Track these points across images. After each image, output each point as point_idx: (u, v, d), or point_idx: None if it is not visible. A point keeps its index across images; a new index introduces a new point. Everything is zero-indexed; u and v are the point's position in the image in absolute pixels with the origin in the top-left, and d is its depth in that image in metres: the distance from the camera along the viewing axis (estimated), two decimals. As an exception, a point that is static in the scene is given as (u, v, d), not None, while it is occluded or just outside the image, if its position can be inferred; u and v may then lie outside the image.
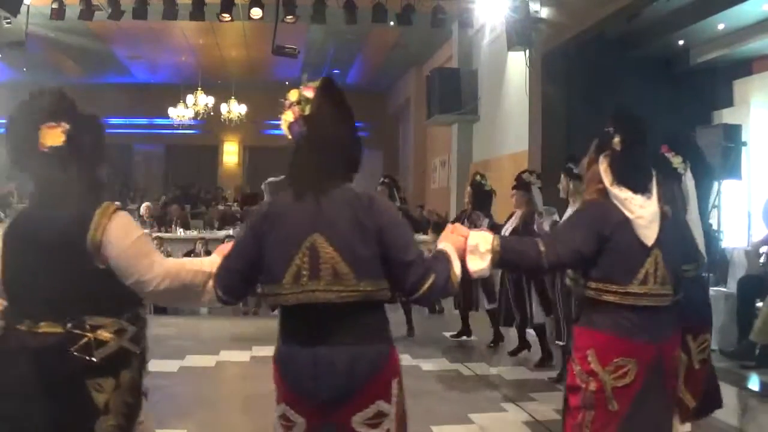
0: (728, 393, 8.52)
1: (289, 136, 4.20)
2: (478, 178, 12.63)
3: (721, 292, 10.22)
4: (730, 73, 14.31)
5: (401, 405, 4.15)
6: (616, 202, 4.74)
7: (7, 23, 15.30)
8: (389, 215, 4.01)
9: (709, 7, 12.32)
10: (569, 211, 9.16)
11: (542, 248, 4.69)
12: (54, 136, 3.93)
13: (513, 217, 11.54)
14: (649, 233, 4.70)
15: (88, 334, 3.83)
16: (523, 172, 11.84)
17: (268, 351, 9.43)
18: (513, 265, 5.10)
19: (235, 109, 28.11)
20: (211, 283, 4.14)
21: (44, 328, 3.79)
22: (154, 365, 11.35)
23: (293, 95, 4.23)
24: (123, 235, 3.96)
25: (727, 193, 11.94)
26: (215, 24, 18.39)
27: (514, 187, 11.47)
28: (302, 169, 4.08)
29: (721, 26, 13.10)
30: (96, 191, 4.11)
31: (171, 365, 11.30)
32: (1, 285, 3.99)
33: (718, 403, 6.25)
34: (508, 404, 9.21)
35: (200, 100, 27.48)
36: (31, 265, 3.88)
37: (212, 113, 27.80)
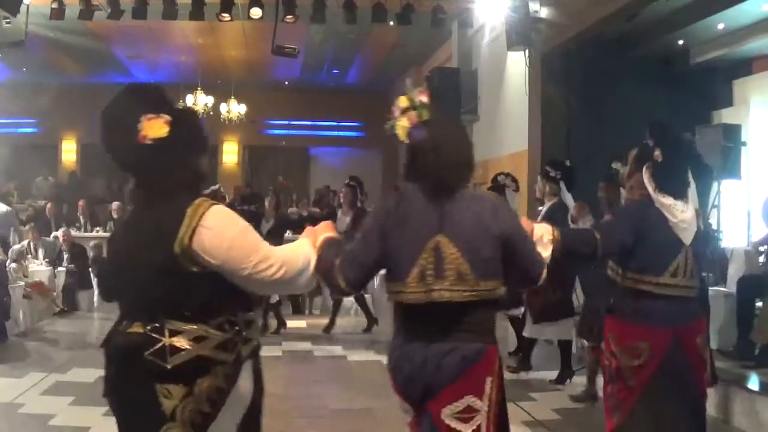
0: (728, 392, 8.55)
1: (406, 141, 4.41)
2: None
3: (720, 292, 10.22)
4: (729, 73, 14.34)
5: (496, 405, 4.35)
6: (660, 207, 5.41)
7: (7, 23, 15.30)
8: (512, 219, 4.38)
9: (708, 6, 12.33)
10: (543, 210, 10.22)
11: (597, 236, 5.34)
12: (157, 128, 3.83)
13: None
14: (688, 234, 5.48)
15: (165, 339, 3.72)
16: (498, 174, 12.11)
17: (272, 351, 9.45)
18: (571, 253, 5.30)
19: (234, 109, 28.09)
20: (311, 268, 4.11)
21: (133, 328, 3.77)
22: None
23: (403, 102, 4.53)
24: (224, 230, 3.81)
25: (726, 192, 11.94)
26: (215, 24, 18.38)
27: (489, 189, 11.66)
28: (427, 172, 4.26)
29: (720, 26, 13.12)
30: (197, 184, 4.08)
31: (171, 365, 11.29)
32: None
33: None
34: (507, 404, 9.20)
35: (200, 100, 27.41)
36: (128, 263, 3.87)
37: (212, 113, 27.73)
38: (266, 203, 15.25)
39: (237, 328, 3.92)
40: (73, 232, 18.74)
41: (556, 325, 10.39)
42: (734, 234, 12.49)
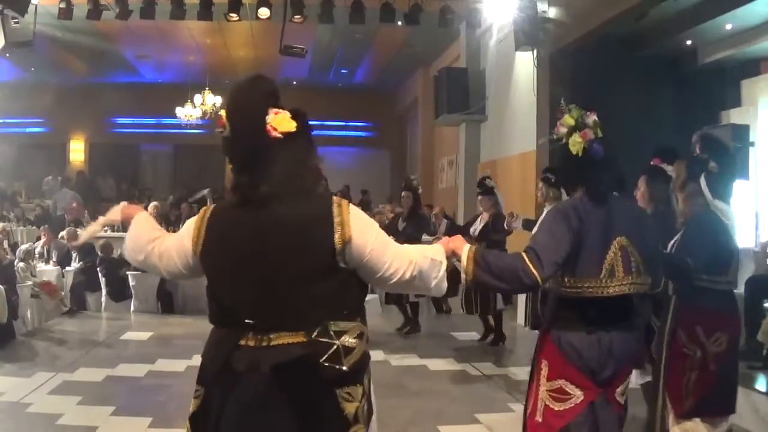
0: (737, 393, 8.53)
1: (580, 154, 4.97)
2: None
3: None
4: (737, 73, 14.29)
5: None
6: (716, 211, 6.15)
7: (15, 23, 15.30)
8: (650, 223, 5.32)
9: (716, 7, 12.31)
10: (545, 213, 9.97)
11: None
12: (286, 122, 3.72)
13: (479, 219, 12.79)
14: (736, 233, 6.34)
15: (336, 342, 3.58)
16: (485, 178, 13.03)
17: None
18: None
19: (242, 109, 28.07)
20: (443, 272, 4.00)
21: (280, 339, 3.55)
22: (161, 365, 11.44)
23: (569, 120, 5.08)
24: (366, 229, 3.74)
25: (734, 193, 11.92)
26: (223, 24, 18.38)
27: (479, 194, 12.66)
28: (601, 181, 4.92)
29: (728, 26, 13.09)
30: (318, 182, 4.07)
31: (178, 365, 11.30)
32: (211, 298, 3.78)
33: (719, 408, 6.11)
34: (515, 404, 9.18)
35: (208, 100, 27.47)
36: (262, 270, 3.59)
37: (219, 113, 27.74)
38: None
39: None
40: (80, 232, 18.72)
41: None
42: (742, 234, 12.46)
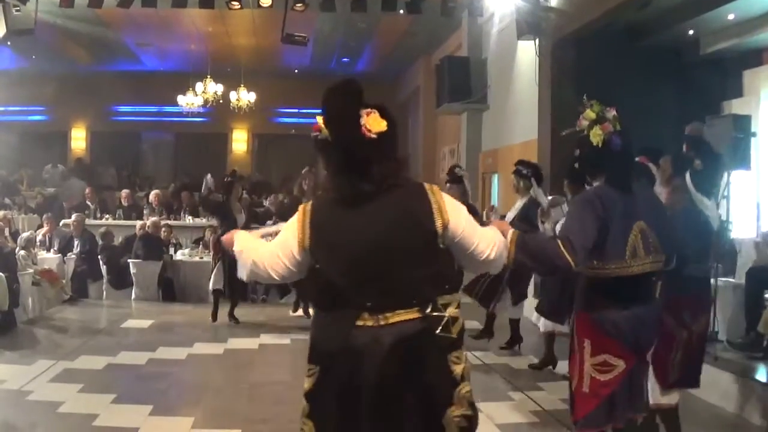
0: (736, 383, 8.55)
1: (600, 146, 5.53)
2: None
3: (729, 283, 10.22)
4: (740, 64, 14.25)
5: None
6: (700, 205, 6.89)
7: (17, 11, 15.27)
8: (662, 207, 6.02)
9: (719, -4, 12.30)
10: (519, 204, 11.33)
11: None
12: (379, 123, 4.04)
13: None
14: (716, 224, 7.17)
15: (445, 314, 4.07)
16: (455, 166, 13.36)
17: (276, 339, 9.36)
18: None
19: (244, 97, 27.98)
20: (506, 253, 4.75)
21: (396, 317, 4.01)
22: (162, 353, 11.47)
23: (590, 114, 5.59)
24: (458, 212, 4.22)
25: (736, 183, 11.90)
26: (225, 12, 18.37)
27: (447, 182, 12.71)
28: (621, 171, 5.55)
29: (731, 16, 13.05)
30: (404, 170, 4.37)
31: (179, 353, 11.35)
32: (324, 285, 4.16)
33: (695, 381, 7.07)
34: (515, 393, 9.22)
35: (209, 88, 27.44)
36: (377, 258, 4.02)
37: (221, 101, 27.74)
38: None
39: None
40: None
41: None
42: (743, 225, 12.44)
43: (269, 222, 15.45)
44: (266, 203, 21.22)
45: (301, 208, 4.25)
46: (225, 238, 4.75)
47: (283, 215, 13.95)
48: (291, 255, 4.21)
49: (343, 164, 4.09)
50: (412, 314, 4.01)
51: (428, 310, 4.04)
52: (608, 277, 5.39)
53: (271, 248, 4.33)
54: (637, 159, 7.24)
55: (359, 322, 4.02)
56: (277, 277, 4.37)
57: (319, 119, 4.12)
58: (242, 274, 4.54)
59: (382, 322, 4.00)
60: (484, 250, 4.30)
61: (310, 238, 4.12)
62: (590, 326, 5.51)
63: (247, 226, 13.67)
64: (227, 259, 13.09)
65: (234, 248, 4.55)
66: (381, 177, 4.05)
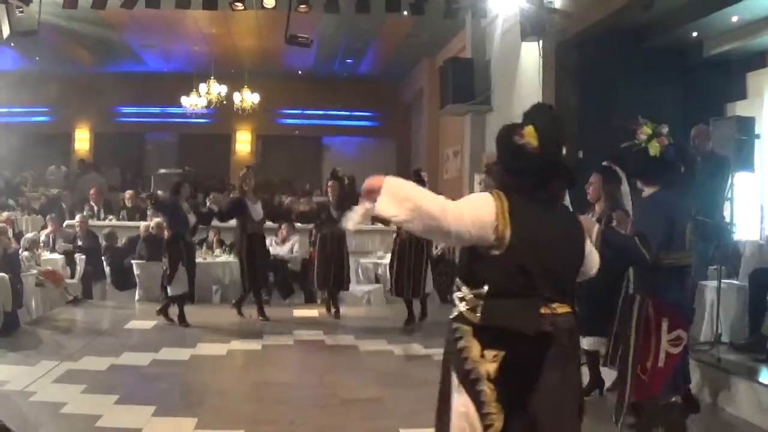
0: (739, 386, 8.53)
1: (657, 155, 6.70)
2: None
3: (732, 285, 10.20)
4: (743, 66, 14.25)
5: None
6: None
7: (20, 12, 15.28)
8: None
9: (723, -2, 12.29)
10: None
11: None
12: (532, 136, 4.57)
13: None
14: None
15: (575, 309, 4.69)
16: (419, 169, 14.40)
17: (279, 340, 9.34)
18: None
19: (248, 98, 27.99)
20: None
21: (560, 308, 4.52)
22: (165, 353, 11.47)
23: (648, 130, 6.65)
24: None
25: (739, 185, 11.89)
26: (228, 13, 18.33)
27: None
28: (675, 177, 6.86)
29: (734, 18, 13.05)
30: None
31: (182, 353, 11.36)
32: (515, 272, 4.44)
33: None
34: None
35: (213, 89, 27.42)
36: (559, 256, 4.55)
37: (225, 102, 27.72)
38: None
39: None
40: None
41: None
42: (747, 227, 12.43)
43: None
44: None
45: (495, 194, 4.53)
46: (370, 180, 4.65)
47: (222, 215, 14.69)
48: (481, 228, 4.41)
49: (542, 173, 4.57)
50: (567, 308, 4.55)
51: (573, 307, 4.63)
52: (674, 266, 6.62)
53: (461, 210, 4.45)
54: (604, 163, 8.73)
55: (541, 310, 4.44)
56: (451, 232, 4.43)
57: (530, 129, 4.56)
58: (391, 211, 4.46)
59: (552, 312, 4.47)
60: (596, 260, 5.07)
61: (509, 227, 4.41)
62: (667, 307, 6.66)
63: (195, 227, 13.74)
64: (193, 262, 13.41)
65: (384, 186, 4.50)
66: (559, 188, 4.81)
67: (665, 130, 6.64)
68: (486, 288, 4.47)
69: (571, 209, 5.21)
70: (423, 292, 13.75)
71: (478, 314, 4.47)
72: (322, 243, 14.63)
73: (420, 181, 12.57)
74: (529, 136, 4.52)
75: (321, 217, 14.69)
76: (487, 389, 4.38)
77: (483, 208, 4.46)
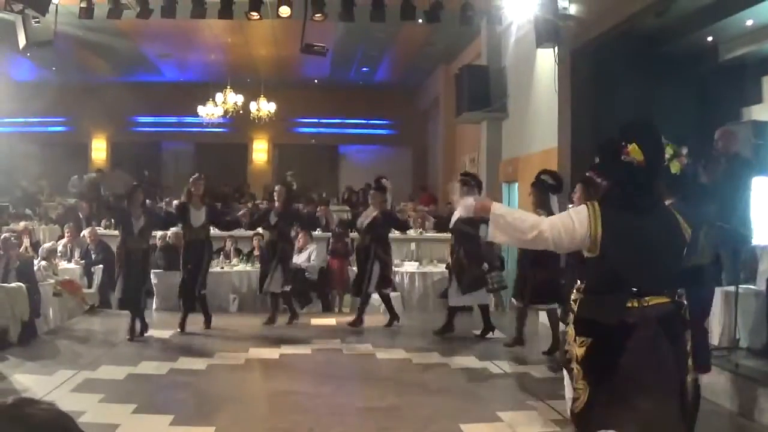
0: (757, 391, 8.49)
1: (678, 173, 6.86)
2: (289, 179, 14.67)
3: (750, 290, 10.15)
4: (759, 70, 14.21)
5: None
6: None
7: (36, 22, 15.35)
8: None
9: (737, 3, 12.24)
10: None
11: None
12: (638, 152, 5.29)
13: (364, 214, 14.74)
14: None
15: (684, 301, 5.47)
16: (380, 178, 14.81)
17: (297, 349, 9.37)
18: None
19: (264, 107, 28.00)
20: None
21: (654, 300, 5.20)
22: (183, 362, 11.46)
23: (669, 150, 6.63)
24: None
25: (757, 190, 11.85)
26: (244, 22, 18.38)
27: (373, 189, 14.67)
28: (691, 190, 7.43)
29: (749, 22, 13.02)
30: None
31: (200, 363, 11.36)
32: (606, 271, 5.29)
33: None
34: (537, 402, 9.18)
35: (229, 99, 27.48)
36: (654, 256, 5.25)
37: (241, 111, 27.77)
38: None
39: None
40: (100, 231, 18.79)
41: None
42: (764, 232, 12.38)
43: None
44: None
45: (590, 206, 5.34)
46: (479, 204, 5.79)
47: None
48: (574, 238, 5.31)
49: (644, 183, 5.31)
50: (664, 299, 5.23)
51: (675, 298, 5.34)
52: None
53: (555, 226, 5.37)
54: (588, 173, 8.45)
55: (628, 304, 5.16)
56: (552, 244, 5.41)
57: (635, 147, 5.30)
58: (498, 237, 5.63)
59: (644, 304, 5.17)
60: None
61: (600, 233, 5.23)
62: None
63: (144, 232, 13.68)
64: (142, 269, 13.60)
65: (493, 211, 5.51)
66: (659, 195, 5.56)
67: (685, 151, 7.07)
68: (583, 285, 5.44)
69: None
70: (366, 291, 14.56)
71: (576, 307, 5.42)
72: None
73: (380, 188, 14.31)
74: (635, 153, 5.28)
75: (266, 221, 14.90)
76: (575, 369, 5.32)
77: (574, 219, 5.33)
